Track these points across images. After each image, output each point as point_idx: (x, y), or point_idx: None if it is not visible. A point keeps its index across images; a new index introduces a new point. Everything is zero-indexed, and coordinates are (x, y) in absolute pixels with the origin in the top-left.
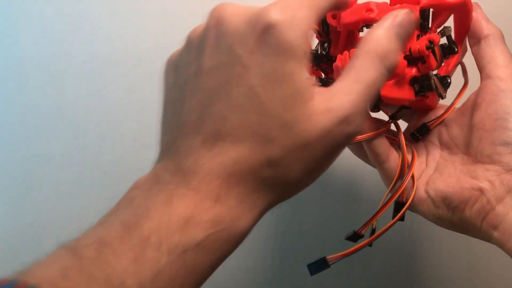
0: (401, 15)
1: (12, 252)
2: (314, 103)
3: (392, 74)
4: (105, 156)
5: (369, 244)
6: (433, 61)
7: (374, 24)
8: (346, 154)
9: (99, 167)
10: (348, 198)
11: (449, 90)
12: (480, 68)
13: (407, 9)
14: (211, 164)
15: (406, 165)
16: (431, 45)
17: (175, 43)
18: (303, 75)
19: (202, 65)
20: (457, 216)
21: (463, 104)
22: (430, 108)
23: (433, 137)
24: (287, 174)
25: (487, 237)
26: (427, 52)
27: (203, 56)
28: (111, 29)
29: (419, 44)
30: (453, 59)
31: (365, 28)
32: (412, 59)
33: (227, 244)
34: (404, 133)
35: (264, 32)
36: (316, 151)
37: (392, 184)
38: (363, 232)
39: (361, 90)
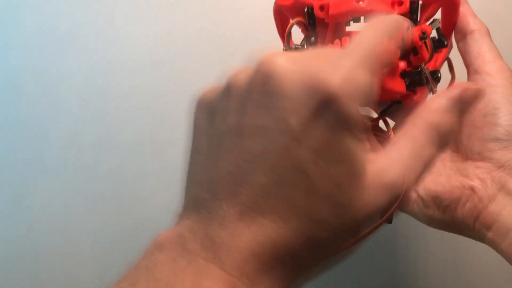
0: (471, 90)
1: (5, 263)
2: (367, 177)
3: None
4: (101, 166)
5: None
6: (425, 53)
7: (440, 91)
8: None
9: (95, 177)
10: None
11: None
12: (467, 63)
13: (476, 87)
14: (249, 244)
15: None
16: (424, 35)
17: (171, 52)
18: (360, 151)
19: (244, 122)
20: (448, 216)
21: None
22: (417, 106)
23: None
24: (327, 253)
25: (480, 238)
26: (420, 43)
27: (245, 112)
28: (107, 37)
29: (412, 35)
30: (441, 54)
31: (352, 22)
32: (403, 51)
33: None
34: None
35: (322, 104)
36: (363, 227)
37: None
38: None
39: (416, 167)
